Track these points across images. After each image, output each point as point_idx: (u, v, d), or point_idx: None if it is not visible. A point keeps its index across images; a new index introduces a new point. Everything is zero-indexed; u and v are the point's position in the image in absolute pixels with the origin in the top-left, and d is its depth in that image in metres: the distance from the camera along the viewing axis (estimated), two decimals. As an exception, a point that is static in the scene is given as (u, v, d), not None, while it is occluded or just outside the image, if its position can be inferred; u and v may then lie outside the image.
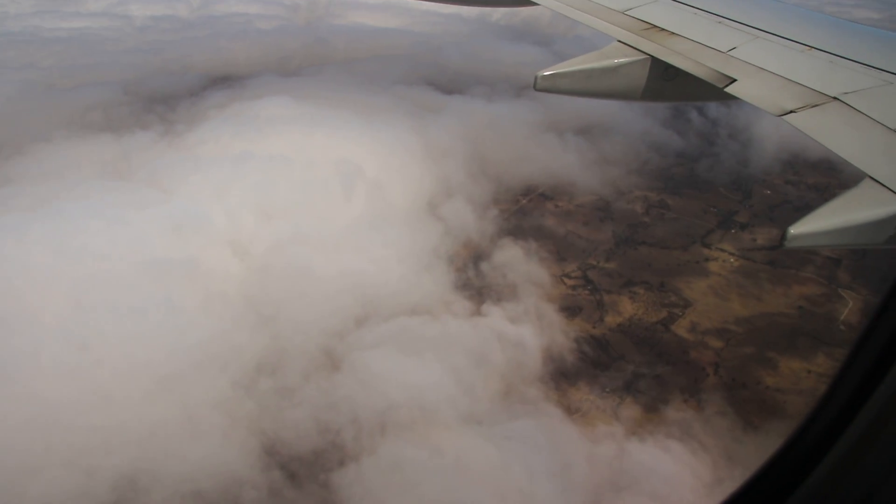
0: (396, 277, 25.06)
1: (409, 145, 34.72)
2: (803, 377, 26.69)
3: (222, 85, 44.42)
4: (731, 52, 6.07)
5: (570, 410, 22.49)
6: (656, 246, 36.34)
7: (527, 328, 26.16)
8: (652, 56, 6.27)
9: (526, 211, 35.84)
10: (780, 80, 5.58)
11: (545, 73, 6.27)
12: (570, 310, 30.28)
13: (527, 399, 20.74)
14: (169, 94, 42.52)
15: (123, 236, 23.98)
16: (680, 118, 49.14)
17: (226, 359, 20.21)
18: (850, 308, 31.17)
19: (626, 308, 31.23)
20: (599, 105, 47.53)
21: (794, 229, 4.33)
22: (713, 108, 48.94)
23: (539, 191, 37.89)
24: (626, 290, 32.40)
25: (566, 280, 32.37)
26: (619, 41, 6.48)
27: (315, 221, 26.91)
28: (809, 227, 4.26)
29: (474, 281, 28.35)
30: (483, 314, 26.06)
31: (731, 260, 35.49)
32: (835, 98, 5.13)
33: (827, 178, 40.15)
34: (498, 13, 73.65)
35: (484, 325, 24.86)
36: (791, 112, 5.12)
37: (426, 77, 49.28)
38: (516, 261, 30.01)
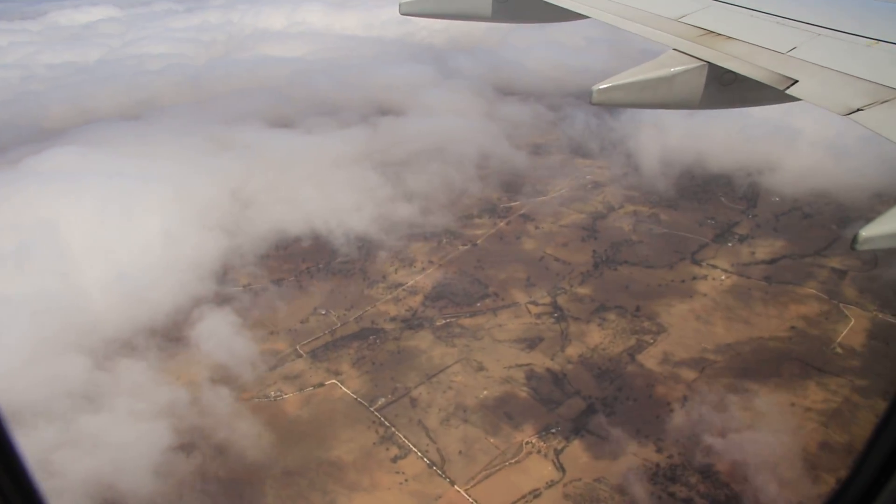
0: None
1: (151, 198, 31.32)
2: (786, 411, 23.38)
3: (45, 137, 42.83)
4: (791, 53, 5.74)
5: None
6: (639, 265, 32.57)
7: (157, 426, 21.78)
8: (709, 62, 5.95)
9: (237, 277, 30.46)
10: (845, 77, 5.16)
11: (601, 87, 5.72)
12: (530, 341, 27.52)
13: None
14: (-16, 149, 41.29)
15: None
16: (551, 133, 43.42)
17: None
18: (852, 327, 27.55)
19: (593, 337, 27.83)
20: (447, 129, 42.45)
21: (866, 231, 3.80)
22: (589, 118, 43.48)
23: (293, 243, 32.57)
24: (596, 316, 29.06)
25: (531, 307, 29.35)
26: (675, 49, 6.18)
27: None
28: (884, 227, 3.84)
29: (129, 366, 24.26)
30: (104, 409, 22.08)
31: (723, 277, 32.29)
32: None
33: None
34: (424, 31, 69.76)
35: (83, 427, 20.87)
36: (858, 110, 4.67)
37: (268, 111, 45.50)
38: (207, 336, 25.56)
